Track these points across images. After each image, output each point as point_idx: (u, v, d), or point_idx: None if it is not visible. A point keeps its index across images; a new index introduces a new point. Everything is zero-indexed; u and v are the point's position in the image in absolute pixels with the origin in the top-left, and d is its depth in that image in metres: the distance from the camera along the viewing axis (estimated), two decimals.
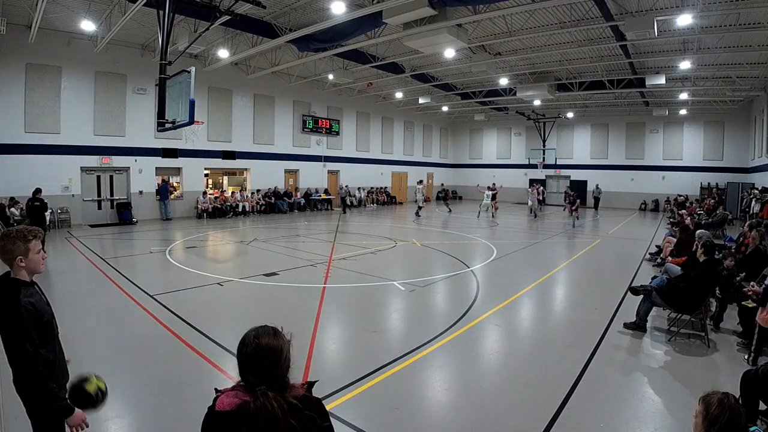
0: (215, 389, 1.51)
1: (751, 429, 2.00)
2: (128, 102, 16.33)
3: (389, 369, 4.43)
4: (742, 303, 5.23)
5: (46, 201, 11.45)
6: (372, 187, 27.46)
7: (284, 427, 1.38)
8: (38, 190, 11.35)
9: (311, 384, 1.58)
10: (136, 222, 16.18)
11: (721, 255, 5.88)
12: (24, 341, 1.96)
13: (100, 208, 16.15)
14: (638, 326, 5.57)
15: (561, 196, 30.40)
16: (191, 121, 7.21)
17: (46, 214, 11.61)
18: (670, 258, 8.11)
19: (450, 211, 22.97)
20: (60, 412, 2.06)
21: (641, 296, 5.68)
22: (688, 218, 12.03)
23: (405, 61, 18.37)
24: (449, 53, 14.96)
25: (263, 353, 1.46)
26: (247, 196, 20.24)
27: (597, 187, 26.26)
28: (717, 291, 5.80)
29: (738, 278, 5.85)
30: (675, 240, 9.11)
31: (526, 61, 18.17)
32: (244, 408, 1.40)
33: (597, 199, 26.15)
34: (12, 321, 1.97)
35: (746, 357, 4.77)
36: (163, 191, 17.36)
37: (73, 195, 15.12)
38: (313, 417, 1.46)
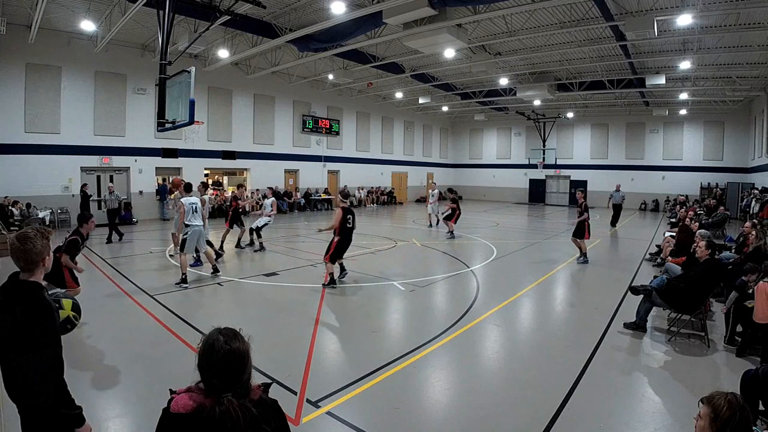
0: (170, 390, 1.47)
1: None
2: (128, 102, 16.33)
3: (389, 369, 4.43)
4: (742, 303, 5.22)
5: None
6: (373, 187, 27.47)
7: None
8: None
9: (267, 386, 1.55)
10: (136, 222, 16.18)
11: (742, 277, 5.69)
12: (57, 347, 1.93)
13: (100, 208, 16.13)
14: (638, 326, 5.57)
15: (560, 197, 30.31)
16: (191, 121, 7.23)
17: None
18: (670, 258, 8.12)
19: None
20: (74, 420, 2.01)
21: (641, 296, 5.68)
22: (689, 214, 11.96)
23: (405, 61, 18.37)
24: (449, 53, 14.95)
25: (235, 357, 1.41)
26: (247, 197, 20.20)
27: (617, 190, 17.61)
28: (730, 309, 5.30)
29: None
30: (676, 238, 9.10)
31: (526, 61, 18.16)
32: (200, 412, 1.36)
33: (618, 207, 17.59)
34: (47, 327, 1.92)
35: (724, 335, 5.11)
36: (163, 191, 17.35)
37: (72, 195, 15.07)
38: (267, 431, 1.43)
